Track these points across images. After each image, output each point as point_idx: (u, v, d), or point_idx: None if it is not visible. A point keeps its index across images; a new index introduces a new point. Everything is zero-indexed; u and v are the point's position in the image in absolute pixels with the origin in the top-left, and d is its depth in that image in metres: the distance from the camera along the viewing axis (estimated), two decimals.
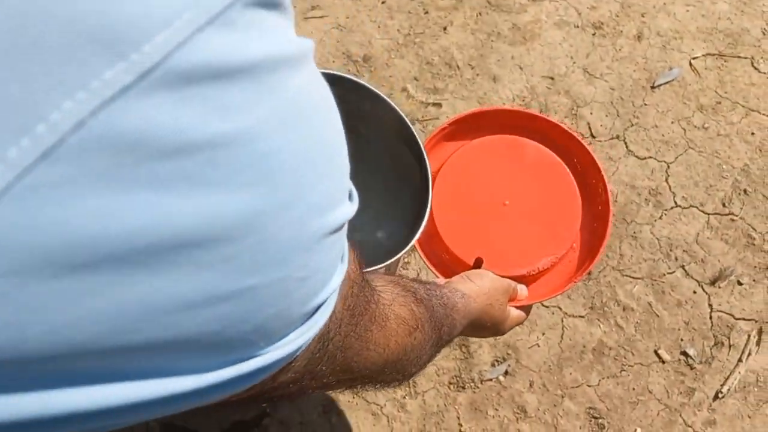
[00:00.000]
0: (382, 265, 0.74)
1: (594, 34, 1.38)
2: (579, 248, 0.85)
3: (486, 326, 0.76)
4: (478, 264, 0.82)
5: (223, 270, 0.23)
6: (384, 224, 0.86)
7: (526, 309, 0.84)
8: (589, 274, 1.18)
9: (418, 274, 1.21)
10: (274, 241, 0.25)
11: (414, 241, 0.76)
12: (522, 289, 0.83)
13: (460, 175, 0.85)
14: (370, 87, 0.78)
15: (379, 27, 1.38)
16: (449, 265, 0.84)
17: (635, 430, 1.15)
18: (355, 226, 0.96)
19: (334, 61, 1.35)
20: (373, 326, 0.45)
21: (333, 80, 0.80)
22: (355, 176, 0.95)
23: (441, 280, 0.77)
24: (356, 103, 0.80)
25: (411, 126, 0.80)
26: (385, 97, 0.79)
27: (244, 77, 0.22)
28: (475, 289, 0.74)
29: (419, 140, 0.81)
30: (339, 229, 0.29)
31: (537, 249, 0.83)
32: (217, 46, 0.22)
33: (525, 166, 0.86)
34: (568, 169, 0.85)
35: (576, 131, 0.85)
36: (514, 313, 0.81)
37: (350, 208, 0.31)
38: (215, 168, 0.22)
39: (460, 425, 1.15)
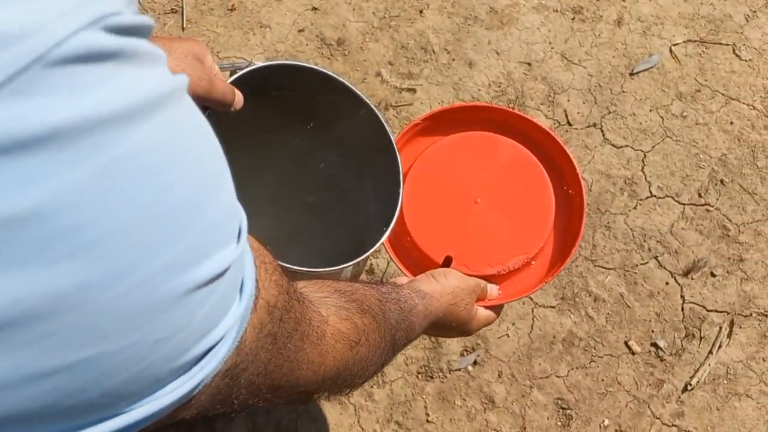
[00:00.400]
0: (349, 264, 0.73)
1: (573, 19, 1.35)
2: (551, 248, 0.83)
3: (451, 326, 0.75)
4: (447, 262, 0.80)
5: (43, 347, 0.22)
6: (358, 220, 0.85)
7: (496, 309, 0.82)
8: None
9: (387, 265, 1.20)
10: (106, 312, 0.23)
11: (383, 240, 0.75)
12: (492, 289, 0.81)
13: (432, 172, 0.84)
14: (340, 79, 0.77)
15: (353, 9, 1.35)
16: (418, 263, 0.82)
17: (603, 421, 1.14)
18: (331, 221, 0.93)
19: (307, 44, 1.32)
20: (305, 345, 0.44)
21: (304, 71, 0.78)
22: (329, 172, 0.93)
23: (404, 279, 0.76)
24: (327, 96, 0.79)
25: (383, 119, 0.79)
26: (357, 90, 0.77)
27: (45, 145, 0.21)
28: (439, 288, 0.72)
29: (391, 135, 0.79)
30: (217, 277, 0.28)
31: (508, 248, 0.81)
32: (3, 119, 0.20)
33: (498, 163, 0.84)
34: (542, 168, 0.83)
35: (553, 129, 0.83)
36: (483, 313, 0.80)
37: (233, 253, 0.30)
38: (10, 247, 0.21)
39: (428, 415, 1.14)
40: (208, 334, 0.29)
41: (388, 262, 1.20)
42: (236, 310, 0.32)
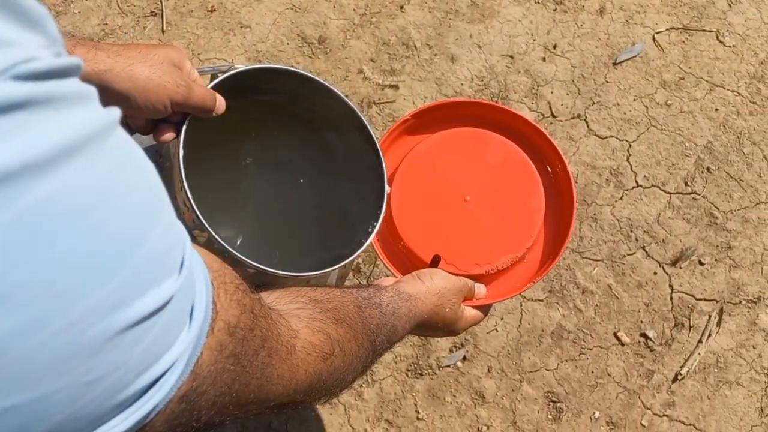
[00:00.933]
0: (334, 267, 0.72)
1: (555, 10, 1.34)
2: (541, 247, 0.83)
3: (437, 327, 0.75)
4: (435, 262, 0.80)
5: None
6: (343, 222, 0.85)
7: (484, 308, 0.82)
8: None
9: (374, 263, 1.20)
10: (28, 361, 0.24)
11: (368, 243, 0.75)
12: (480, 289, 0.81)
13: (421, 170, 0.83)
14: (321, 80, 0.77)
15: (334, 6, 1.34)
16: (406, 262, 0.82)
17: (593, 413, 1.14)
18: (315, 224, 0.92)
19: (288, 44, 1.31)
20: (273, 361, 0.44)
21: (284, 74, 0.78)
22: (312, 174, 0.92)
23: (390, 280, 0.76)
24: (309, 97, 0.78)
25: (364, 119, 0.78)
26: (338, 90, 0.77)
27: None
28: (424, 289, 0.72)
29: (373, 134, 0.79)
30: (155, 312, 0.28)
31: (497, 247, 0.80)
32: None
33: (488, 160, 0.83)
34: (532, 165, 0.82)
35: (542, 125, 0.83)
36: (470, 313, 0.79)
37: (173, 285, 0.30)
38: None
39: (418, 412, 1.14)
40: (150, 368, 0.29)
41: (376, 260, 1.20)
42: (185, 337, 0.32)
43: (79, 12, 1.32)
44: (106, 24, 1.32)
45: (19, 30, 0.24)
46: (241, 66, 0.71)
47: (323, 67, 1.30)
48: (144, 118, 0.64)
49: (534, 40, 1.32)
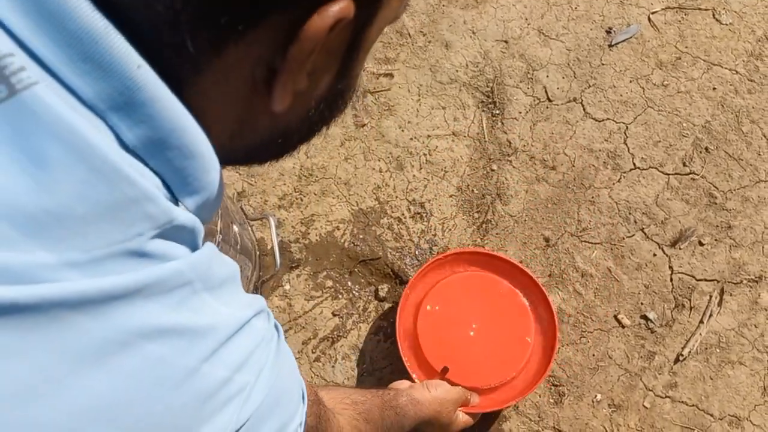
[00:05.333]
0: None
1: None
2: (526, 375, 1.06)
3: (434, 427, 0.97)
4: (444, 371, 1.05)
5: None
6: None
7: (474, 415, 1.05)
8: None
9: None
10: None
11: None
12: (474, 398, 1.05)
13: (444, 299, 1.08)
14: None
15: None
16: (423, 367, 1.06)
17: (595, 396, 1.14)
18: None
19: None
20: None
21: None
22: None
23: (405, 383, 0.99)
24: None
25: None
26: None
27: None
28: (429, 397, 0.94)
29: None
30: None
31: (492, 369, 1.05)
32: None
33: (494, 300, 1.08)
34: (529, 310, 1.08)
35: (532, 271, 1.09)
36: (462, 418, 1.02)
37: (299, 418, 0.42)
38: None
39: None
40: None
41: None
42: None
43: None
44: None
45: None
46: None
47: None
48: None
49: (528, 24, 1.31)
